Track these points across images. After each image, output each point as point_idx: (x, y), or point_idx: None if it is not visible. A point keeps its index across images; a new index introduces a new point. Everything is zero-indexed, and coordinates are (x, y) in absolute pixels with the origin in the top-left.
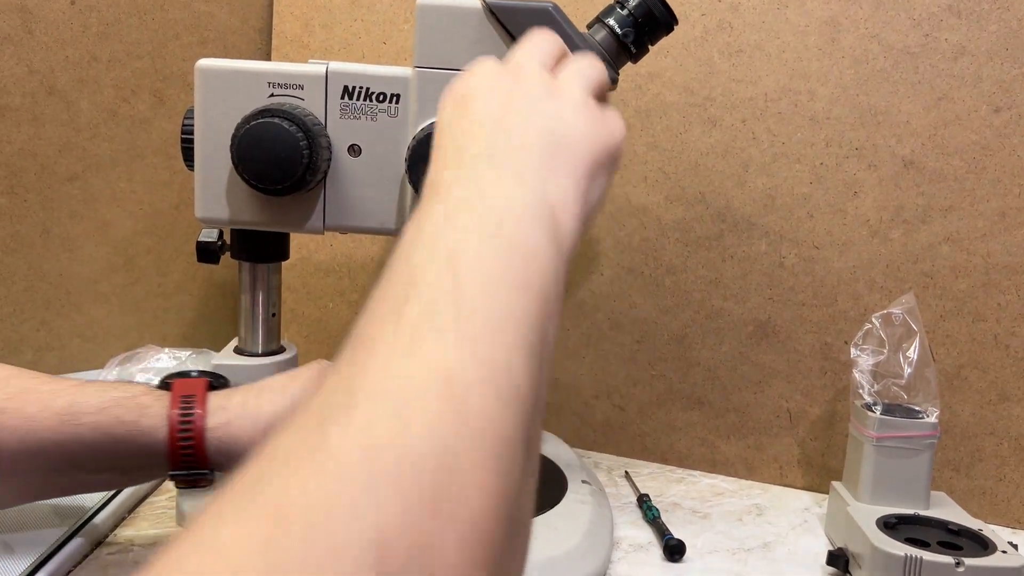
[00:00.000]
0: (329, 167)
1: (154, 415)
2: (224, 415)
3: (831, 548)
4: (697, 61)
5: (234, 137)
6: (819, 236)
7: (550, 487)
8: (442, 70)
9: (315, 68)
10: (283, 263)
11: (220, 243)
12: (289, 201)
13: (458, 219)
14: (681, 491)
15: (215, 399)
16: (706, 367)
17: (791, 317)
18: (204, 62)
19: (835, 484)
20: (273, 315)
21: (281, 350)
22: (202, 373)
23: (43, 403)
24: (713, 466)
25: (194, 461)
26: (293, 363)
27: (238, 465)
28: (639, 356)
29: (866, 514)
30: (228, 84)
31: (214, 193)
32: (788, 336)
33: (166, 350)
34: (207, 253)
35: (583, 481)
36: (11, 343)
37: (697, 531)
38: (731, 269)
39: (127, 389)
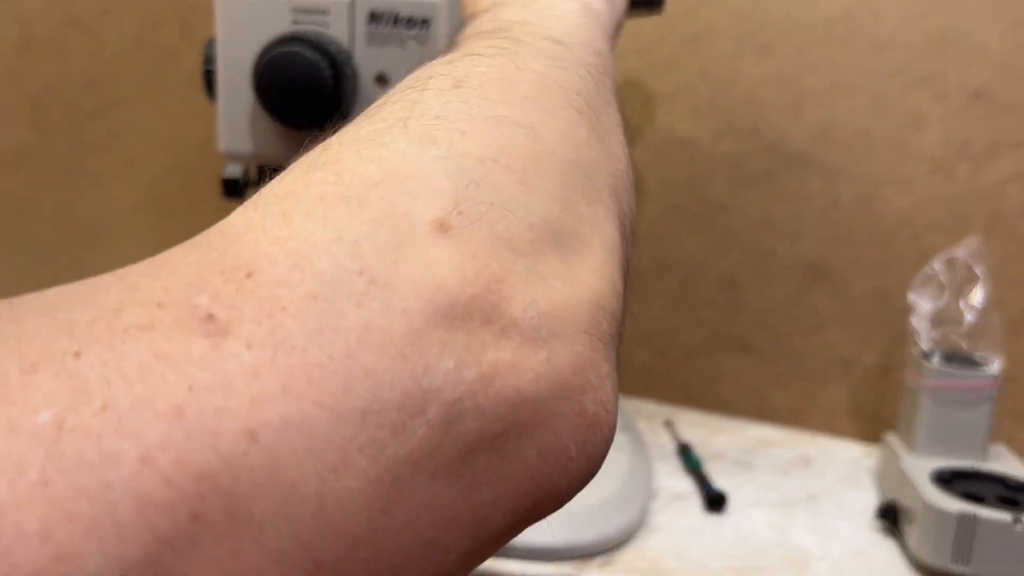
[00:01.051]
0: (356, 98)
1: None
2: None
3: (882, 502)
4: None
5: (255, 67)
6: (878, 173)
7: None
8: None
9: None
10: None
11: (246, 179)
12: (315, 134)
13: None
14: (724, 441)
15: None
16: (755, 311)
17: (846, 259)
18: None
19: (888, 435)
20: None
21: None
22: None
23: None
24: (760, 414)
25: None
26: None
27: None
28: (684, 299)
29: (920, 467)
30: (250, 11)
31: (237, 126)
32: (843, 279)
33: None
34: (233, 189)
35: (620, 429)
36: (43, 282)
37: (740, 483)
38: (783, 208)
39: None
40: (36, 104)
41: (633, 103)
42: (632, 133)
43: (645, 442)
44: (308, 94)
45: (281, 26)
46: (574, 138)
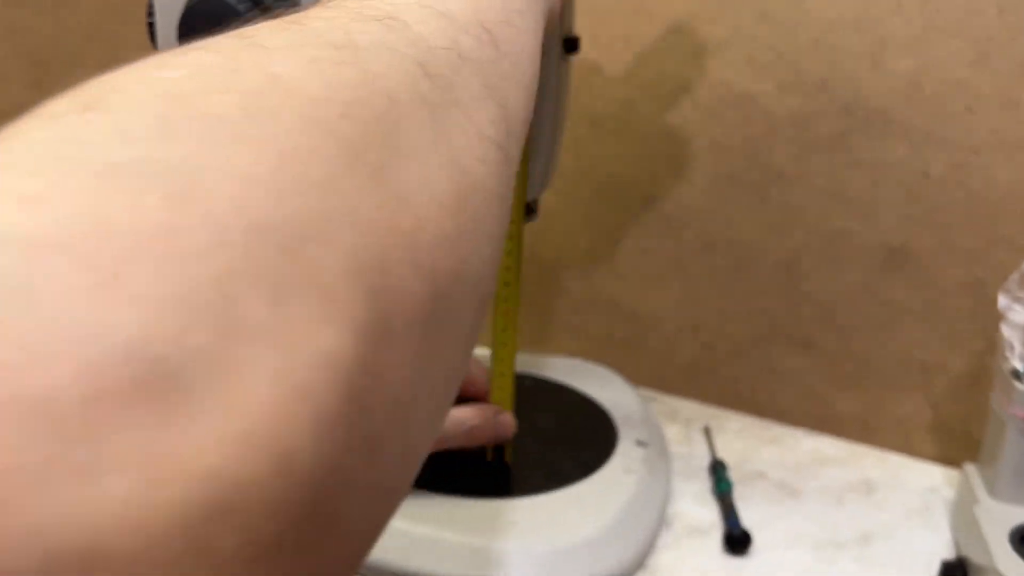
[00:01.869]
0: None
1: None
2: None
3: (949, 558)
4: None
5: (180, 17)
6: (979, 137)
7: (593, 447)
8: None
9: None
10: None
11: None
12: None
13: None
14: (773, 455)
15: None
16: (820, 302)
17: (934, 243)
18: None
19: (968, 467)
20: None
21: None
22: None
23: None
24: (820, 424)
25: None
26: None
27: None
28: (736, 285)
29: (998, 518)
30: None
31: None
32: (929, 267)
33: None
34: None
35: (638, 442)
36: None
37: (781, 512)
38: (858, 179)
39: None
40: (35, 60)
41: (680, 52)
42: (679, 88)
43: (668, 454)
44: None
45: None
46: (296, 181)
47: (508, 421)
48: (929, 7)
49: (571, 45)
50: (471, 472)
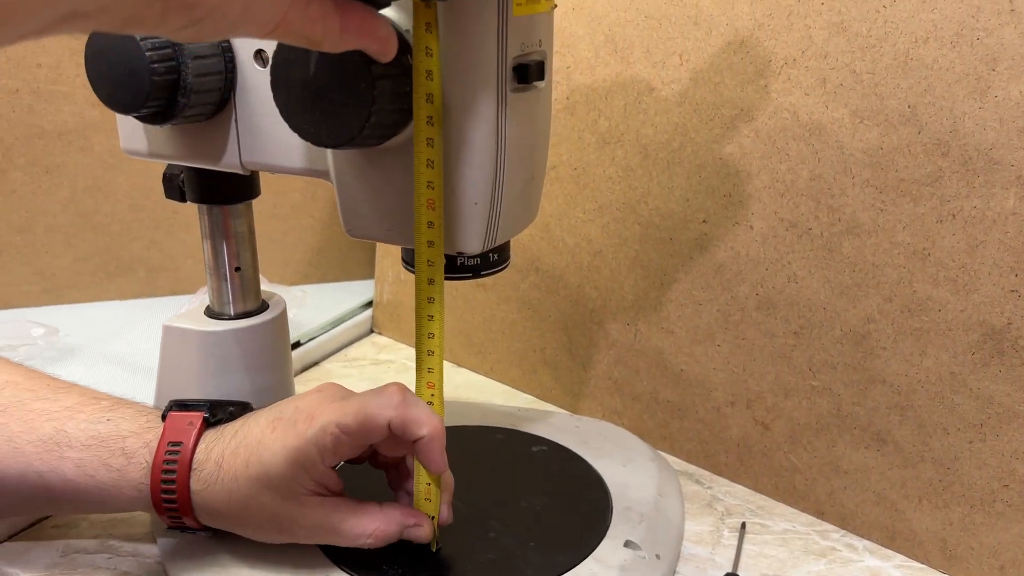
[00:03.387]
0: (233, 84)
1: (138, 466)
2: (206, 474)
3: None
4: None
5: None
6: None
7: (569, 544)
8: None
9: None
10: (256, 202)
11: (182, 176)
12: (196, 130)
13: None
14: (821, 572)
15: (204, 448)
16: (896, 387)
17: None
18: None
19: None
20: (237, 269)
21: (261, 308)
22: (210, 403)
23: (30, 424)
24: (891, 539)
25: (183, 523)
26: (271, 327)
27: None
28: (796, 355)
29: None
30: None
31: (130, 121)
32: None
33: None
34: (171, 188)
35: (627, 543)
36: (124, 262)
37: None
38: (952, 235)
39: (118, 424)
40: None
41: (742, 72)
42: (738, 113)
43: (670, 562)
44: (129, 81)
45: None
46: None
47: (421, 535)
48: None
49: (523, 73)
50: (406, 561)
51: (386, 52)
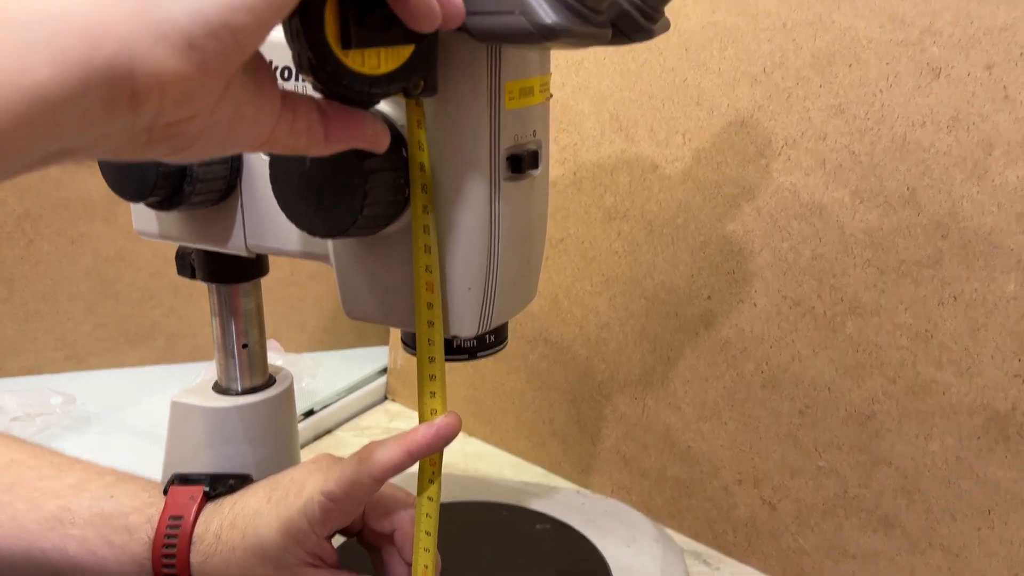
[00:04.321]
0: (239, 172)
1: (140, 541)
2: (204, 546)
3: None
4: None
5: None
6: None
7: None
8: None
9: None
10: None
11: (194, 255)
12: (204, 215)
13: None
14: None
15: (204, 521)
16: (902, 470)
17: None
18: None
19: None
20: (245, 346)
21: (267, 384)
22: (211, 477)
23: (35, 502)
24: None
25: None
26: (277, 402)
27: None
28: (801, 434)
29: None
30: None
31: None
32: None
33: (277, 348)
34: (183, 265)
35: None
36: (143, 329)
37: None
38: (954, 318)
39: (121, 501)
40: None
41: (743, 152)
42: (740, 192)
43: None
44: (136, 171)
45: None
46: None
47: None
48: None
49: (517, 164)
50: None
51: (377, 147)
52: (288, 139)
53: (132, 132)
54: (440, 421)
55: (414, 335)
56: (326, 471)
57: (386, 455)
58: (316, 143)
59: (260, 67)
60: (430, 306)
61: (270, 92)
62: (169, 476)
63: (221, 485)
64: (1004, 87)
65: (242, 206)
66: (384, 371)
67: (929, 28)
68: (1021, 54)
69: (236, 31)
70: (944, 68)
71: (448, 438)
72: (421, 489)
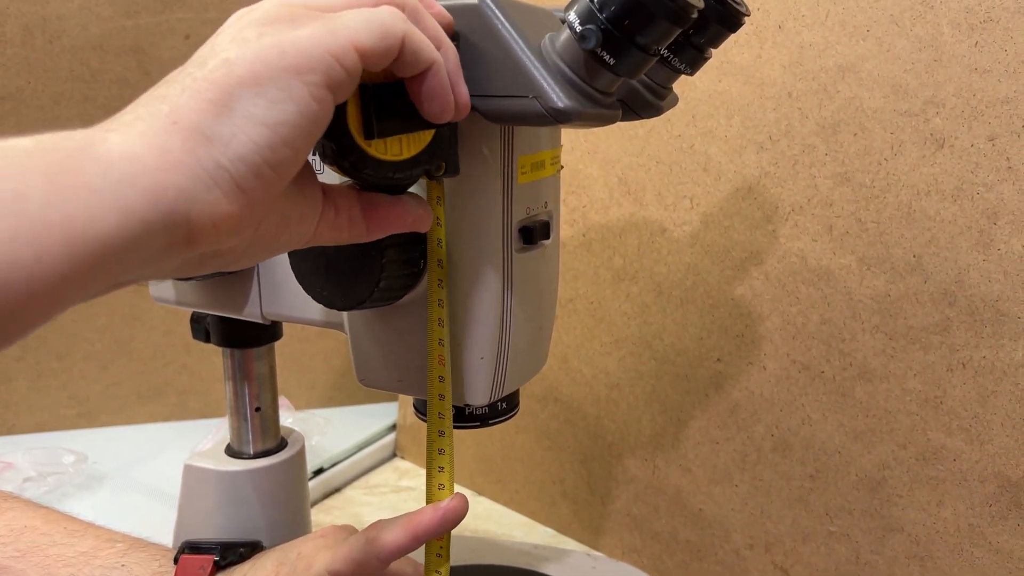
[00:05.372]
0: None
1: None
2: None
3: None
4: (914, 42)
5: None
6: None
7: None
8: None
9: None
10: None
11: (208, 319)
12: (221, 283)
13: None
14: None
15: None
16: (914, 536)
17: None
18: None
19: None
20: (258, 409)
21: (279, 447)
22: (222, 546)
23: (47, 570)
24: None
25: None
26: (289, 465)
27: None
28: (812, 498)
29: None
30: None
31: None
32: None
33: (287, 406)
34: (198, 330)
35: None
36: (155, 386)
37: None
38: (963, 384)
39: (131, 570)
40: None
41: (750, 217)
42: (748, 256)
43: None
44: None
45: None
46: None
47: None
48: None
49: (528, 235)
50: None
51: (421, 229)
52: (332, 234)
53: (186, 262)
54: (447, 504)
55: (424, 402)
56: (334, 549)
57: (392, 537)
58: (359, 234)
59: (302, 172)
60: (441, 379)
61: (311, 194)
62: (180, 541)
63: (231, 554)
64: (1007, 158)
65: (258, 275)
66: (393, 427)
67: (932, 99)
68: (1023, 126)
69: (278, 166)
70: (948, 139)
71: (454, 522)
72: (429, 567)
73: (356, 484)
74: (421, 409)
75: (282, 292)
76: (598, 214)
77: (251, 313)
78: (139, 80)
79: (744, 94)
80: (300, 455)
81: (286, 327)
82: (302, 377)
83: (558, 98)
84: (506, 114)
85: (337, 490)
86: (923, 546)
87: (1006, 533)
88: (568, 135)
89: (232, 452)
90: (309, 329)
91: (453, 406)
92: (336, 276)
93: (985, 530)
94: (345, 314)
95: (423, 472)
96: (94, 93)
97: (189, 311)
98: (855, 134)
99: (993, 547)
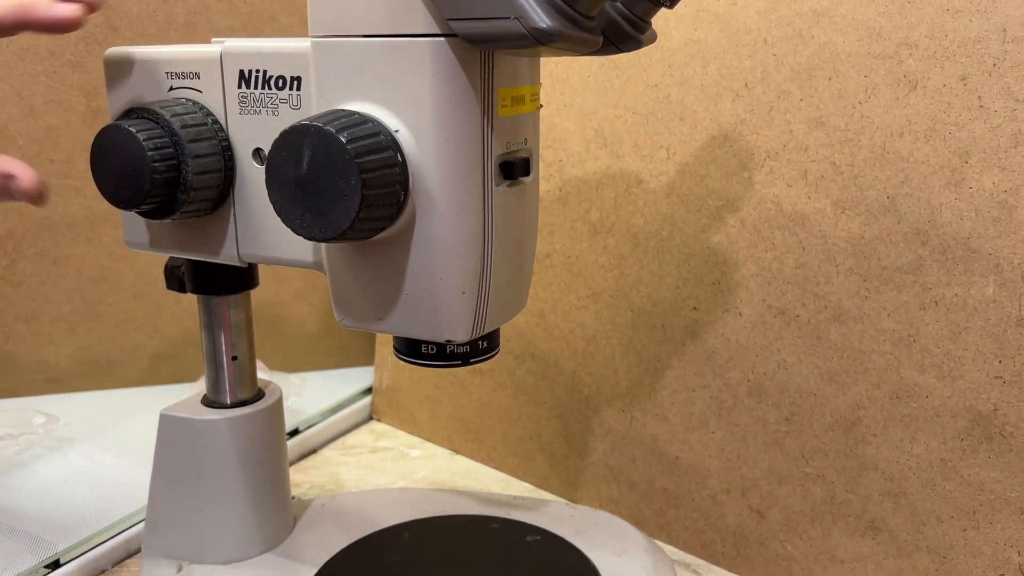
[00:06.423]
0: (231, 181)
1: None
2: None
3: None
4: None
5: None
6: None
7: None
8: (341, 37)
9: (211, 50)
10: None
11: (183, 268)
12: (196, 225)
13: None
14: None
15: None
16: (888, 474)
17: None
18: (112, 51)
19: None
20: (235, 358)
21: (256, 397)
22: None
23: None
24: None
25: None
26: (266, 416)
27: None
28: (788, 441)
29: None
30: (130, 76)
31: (133, 216)
32: None
33: (262, 368)
34: (172, 279)
35: None
36: (127, 350)
37: None
38: (935, 322)
39: None
40: None
41: (726, 165)
42: (724, 204)
43: None
44: (131, 179)
45: (159, 92)
46: None
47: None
48: (1023, 109)
49: (509, 170)
50: None
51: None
52: None
53: None
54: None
55: (406, 341)
56: None
57: None
58: None
59: None
60: None
61: None
62: (157, 492)
63: None
64: (979, 96)
65: (235, 215)
66: (369, 391)
67: (905, 41)
68: (994, 65)
69: None
70: (920, 80)
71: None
72: None
73: (332, 445)
74: (401, 350)
75: (259, 232)
76: (575, 168)
77: (228, 256)
78: (107, 36)
79: (720, 41)
80: (278, 406)
81: (261, 289)
82: (276, 341)
83: (540, 18)
84: (487, 36)
85: (314, 451)
86: (896, 483)
87: (977, 465)
88: (544, 88)
89: (208, 402)
90: (284, 292)
91: (434, 343)
92: (315, 205)
93: (957, 464)
94: (324, 252)
95: (400, 433)
96: (60, 49)
97: (157, 271)
98: (830, 78)
99: (964, 480)
